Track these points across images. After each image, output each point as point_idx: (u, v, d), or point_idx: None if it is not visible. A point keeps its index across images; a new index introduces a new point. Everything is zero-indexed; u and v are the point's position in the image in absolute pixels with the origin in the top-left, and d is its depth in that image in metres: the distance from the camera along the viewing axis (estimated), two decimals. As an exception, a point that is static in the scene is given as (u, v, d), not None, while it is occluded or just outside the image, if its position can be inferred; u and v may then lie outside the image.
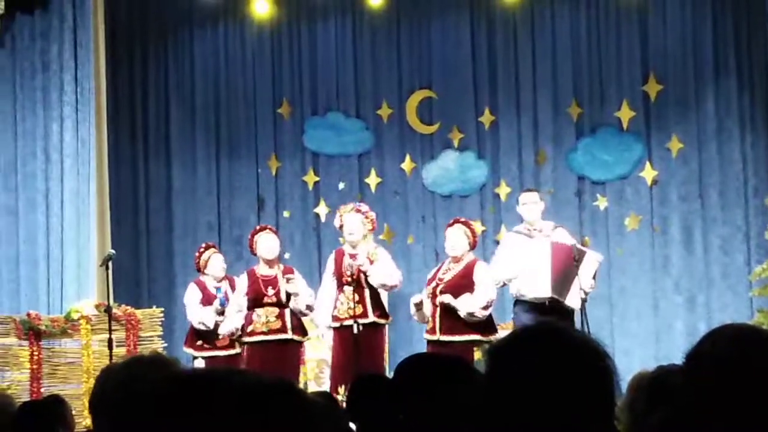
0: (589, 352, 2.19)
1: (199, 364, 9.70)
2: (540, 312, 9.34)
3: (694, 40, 12.89)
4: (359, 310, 9.48)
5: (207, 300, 9.95)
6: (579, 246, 9.73)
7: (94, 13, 12.21)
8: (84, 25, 12.11)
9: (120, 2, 13.07)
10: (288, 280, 9.59)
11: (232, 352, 9.90)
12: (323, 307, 9.75)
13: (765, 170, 12.58)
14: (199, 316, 9.88)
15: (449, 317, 9.27)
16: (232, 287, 10.04)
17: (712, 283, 12.62)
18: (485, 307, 9.27)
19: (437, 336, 9.31)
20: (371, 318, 9.52)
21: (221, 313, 9.80)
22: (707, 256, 12.69)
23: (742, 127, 12.74)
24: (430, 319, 9.40)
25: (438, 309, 9.32)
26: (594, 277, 9.58)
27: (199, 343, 9.91)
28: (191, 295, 10.09)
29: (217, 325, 9.83)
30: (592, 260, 9.56)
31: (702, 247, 12.71)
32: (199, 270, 10.22)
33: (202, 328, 9.87)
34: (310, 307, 9.76)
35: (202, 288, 10.07)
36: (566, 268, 9.39)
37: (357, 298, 9.48)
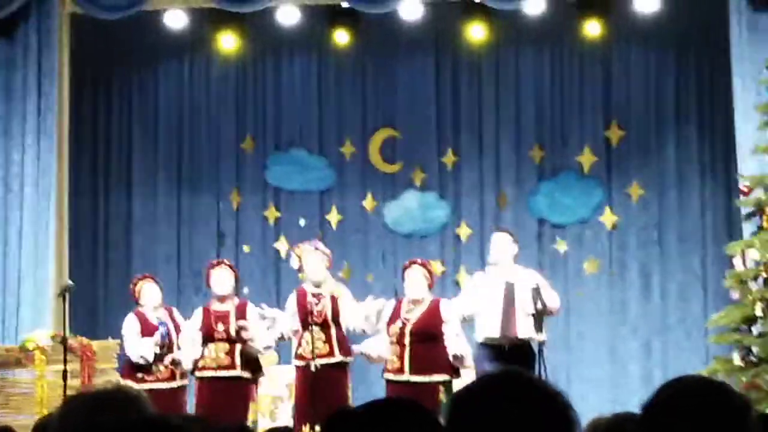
0: (552, 401, 2.20)
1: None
2: (498, 355, 9.36)
3: (656, 87, 13.01)
4: (326, 349, 9.47)
5: (147, 331, 9.77)
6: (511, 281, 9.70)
7: (59, 43, 12.17)
8: (49, 55, 12.06)
9: (86, 33, 13.01)
10: (240, 329, 9.54)
11: (174, 384, 9.76)
12: (284, 319, 9.67)
13: (724, 218, 12.67)
14: (139, 349, 9.69)
15: (421, 357, 9.24)
16: (171, 318, 9.95)
17: (669, 329, 12.69)
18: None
19: (405, 377, 9.26)
20: (338, 357, 9.50)
21: (162, 346, 9.68)
22: (664, 301, 12.76)
23: (702, 175, 12.85)
24: (396, 359, 9.33)
25: (407, 348, 9.28)
26: (544, 294, 9.50)
27: (140, 375, 9.70)
28: (130, 327, 9.88)
29: (156, 357, 9.70)
30: (523, 285, 9.54)
31: (659, 293, 12.79)
32: (135, 301, 10.04)
33: (141, 362, 9.68)
34: (268, 348, 9.74)
35: (142, 319, 9.87)
36: (510, 304, 9.48)
37: (324, 337, 9.47)
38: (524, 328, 9.48)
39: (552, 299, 9.63)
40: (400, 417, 2.82)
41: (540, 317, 9.54)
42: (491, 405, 2.18)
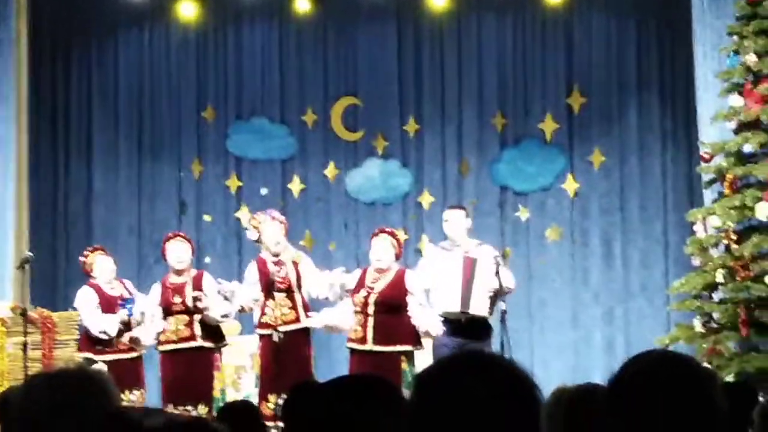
0: (517, 381, 2.19)
1: (100, 368, 9.47)
2: (456, 329, 9.34)
3: (618, 54, 13.03)
4: (292, 315, 9.45)
5: (105, 303, 9.62)
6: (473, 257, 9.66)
7: (17, 11, 12.05)
8: (5, 23, 11.94)
9: (43, 3, 12.90)
10: (195, 300, 9.50)
11: (133, 354, 9.67)
12: (244, 290, 9.64)
13: (684, 185, 12.72)
14: (101, 324, 9.53)
15: (385, 327, 9.23)
16: (126, 289, 9.85)
17: (631, 296, 12.75)
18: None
19: (369, 346, 9.24)
20: (304, 323, 9.49)
21: (127, 323, 9.58)
22: (626, 268, 12.82)
23: (664, 142, 12.90)
24: (359, 328, 9.31)
25: (371, 318, 9.27)
26: (502, 273, 9.49)
27: (99, 347, 9.57)
28: (87, 300, 9.69)
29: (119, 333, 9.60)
30: (486, 262, 9.51)
31: (621, 260, 12.84)
32: (86, 274, 9.86)
33: (103, 337, 9.53)
34: (226, 316, 9.70)
35: (99, 292, 9.70)
36: (470, 280, 9.45)
37: (290, 303, 9.45)
38: (479, 305, 9.46)
39: (509, 279, 9.61)
40: (365, 393, 2.81)
41: (496, 296, 9.55)
42: (455, 385, 2.17)
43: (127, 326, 9.60)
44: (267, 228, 9.72)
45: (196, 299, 9.49)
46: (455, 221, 9.82)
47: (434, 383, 2.21)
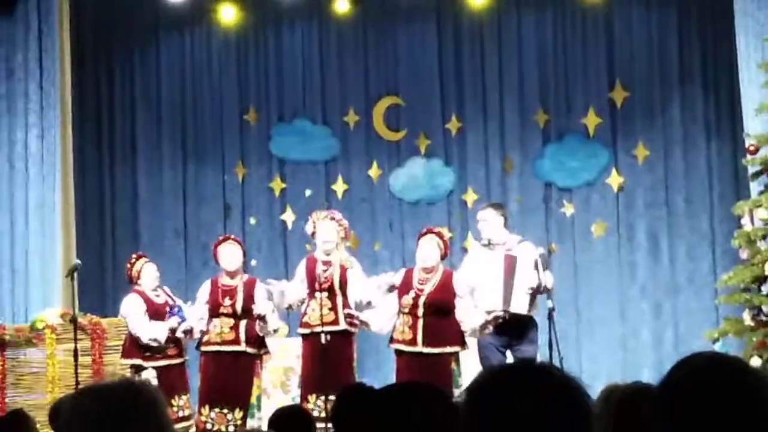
0: (568, 392, 2.19)
1: (149, 374, 9.50)
2: (500, 327, 9.31)
3: (659, 47, 12.95)
4: (331, 317, 9.46)
5: (153, 311, 9.66)
6: (514, 255, 9.64)
7: (60, 20, 12.14)
8: (49, 32, 12.03)
9: (86, 9, 13.00)
10: (259, 319, 9.55)
11: (180, 360, 9.71)
12: (292, 288, 9.67)
13: (730, 177, 12.63)
14: (151, 331, 9.57)
15: (434, 329, 9.19)
16: (168, 296, 9.88)
17: (678, 290, 12.68)
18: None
19: (419, 348, 9.19)
20: (342, 325, 9.49)
21: (174, 331, 9.61)
22: (673, 263, 12.74)
23: (708, 134, 12.81)
24: (407, 329, 9.25)
25: (420, 320, 9.23)
26: (541, 270, 9.47)
27: (147, 353, 9.60)
28: (135, 307, 9.71)
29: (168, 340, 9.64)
30: (526, 260, 9.50)
31: (668, 254, 12.77)
32: (131, 281, 9.87)
33: (153, 344, 9.56)
34: (276, 330, 9.77)
35: (146, 299, 9.73)
36: (511, 278, 9.43)
37: (330, 305, 9.46)
38: (519, 303, 9.44)
39: (548, 279, 9.59)
40: (417, 399, 2.82)
41: (536, 294, 9.54)
42: (505, 398, 2.17)
43: (174, 333, 9.64)
44: (321, 225, 9.75)
45: (260, 319, 9.52)
46: (489, 220, 9.81)
47: (485, 396, 2.21)
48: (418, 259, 9.42)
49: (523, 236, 10.03)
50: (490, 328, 9.24)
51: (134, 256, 10.14)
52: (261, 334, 9.64)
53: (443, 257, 9.49)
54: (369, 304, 9.55)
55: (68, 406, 2.88)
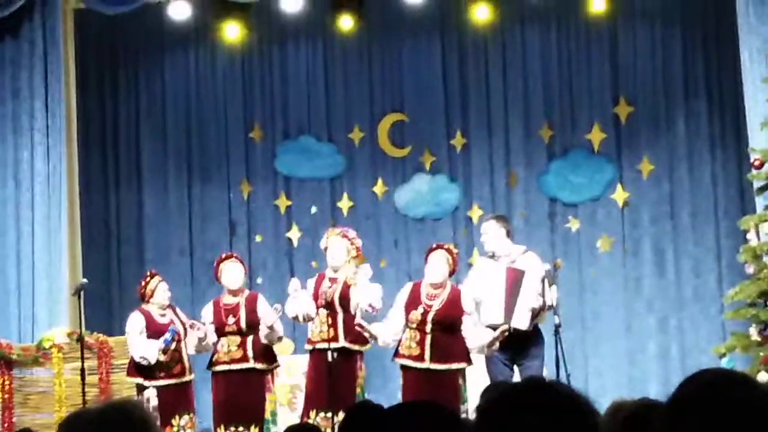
0: (577, 409, 2.19)
1: (150, 393, 9.48)
2: (505, 341, 9.27)
3: (664, 62, 12.96)
4: (330, 333, 9.41)
5: (153, 329, 9.60)
6: (519, 269, 9.59)
7: (64, 39, 12.18)
8: (54, 51, 12.07)
9: (90, 28, 13.04)
10: (266, 336, 9.54)
11: (185, 379, 9.65)
12: (299, 301, 9.64)
13: (735, 191, 12.64)
14: (141, 350, 9.51)
15: (442, 345, 9.17)
16: (175, 314, 9.83)
17: (684, 305, 12.67)
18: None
19: (426, 364, 9.16)
20: (341, 343, 9.45)
21: (165, 351, 9.57)
22: (679, 277, 12.74)
23: (713, 149, 12.82)
24: (415, 345, 9.22)
25: (428, 336, 9.21)
26: (547, 288, 9.44)
27: (148, 372, 9.53)
28: (133, 325, 9.67)
29: (158, 362, 9.59)
30: (533, 276, 9.47)
31: (674, 269, 12.77)
32: (143, 299, 9.80)
33: (143, 362, 9.50)
34: (281, 339, 9.75)
35: (148, 318, 9.67)
36: (514, 293, 9.40)
37: (330, 321, 9.43)
38: (520, 319, 9.40)
39: (553, 295, 9.51)
40: (427, 418, 2.82)
41: (538, 313, 9.51)
42: (516, 418, 2.18)
43: (165, 353, 9.58)
44: (332, 241, 9.74)
45: (267, 335, 9.51)
46: (491, 233, 9.79)
47: (496, 415, 2.22)
48: (427, 274, 9.39)
49: (524, 247, 10.01)
50: (497, 344, 9.23)
51: (148, 273, 10.07)
52: (266, 342, 9.61)
53: (451, 273, 9.48)
54: (372, 308, 9.46)
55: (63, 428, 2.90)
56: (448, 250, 9.50)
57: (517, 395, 2.24)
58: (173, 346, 9.53)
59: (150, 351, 9.50)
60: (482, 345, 9.16)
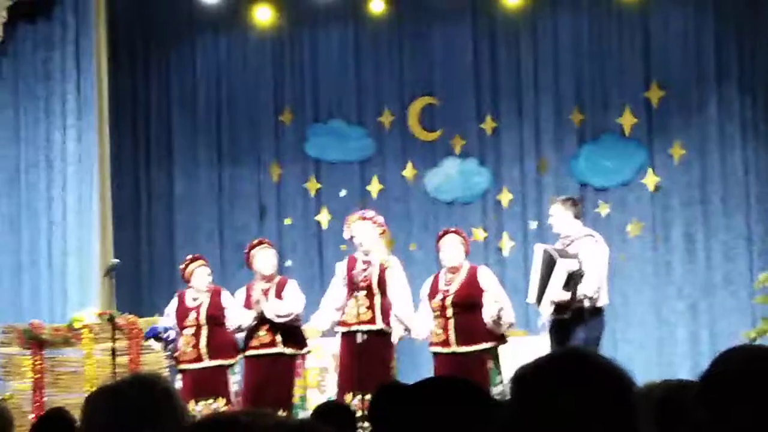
0: (615, 379, 2.19)
1: (174, 376, 9.56)
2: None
3: (696, 46, 12.90)
4: (368, 315, 9.41)
5: (180, 314, 9.71)
6: (553, 253, 9.42)
7: (97, 21, 12.21)
8: (86, 33, 12.10)
9: (122, 10, 13.07)
10: (257, 302, 9.54)
11: (215, 363, 9.60)
12: (325, 311, 9.67)
13: (767, 176, 12.57)
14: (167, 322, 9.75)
15: (466, 327, 9.18)
16: (218, 297, 9.82)
17: (715, 290, 12.61)
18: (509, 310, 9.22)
19: (452, 348, 9.17)
20: (379, 325, 9.43)
21: (159, 340, 9.64)
22: (709, 262, 12.68)
23: (744, 133, 12.74)
24: (440, 331, 9.25)
25: (451, 320, 9.23)
26: (568, 287, 9.24)
27: (177, 354, 9.65)
28: (170, 306, 9.89)
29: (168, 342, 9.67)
30: (560, 270, 9.27)
31: (704, 254, 12.70)
32: (185, 281, 9.91)
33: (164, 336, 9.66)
34: (281, 317, 9.60)
35: (180, 301, 9.80)
36: (546, 277, 9.30)
37: (368, 303, 9.44)
38: (543, 309, 9.27)
39: (590, 287, 9.24)
40: (452, 394, 2.82)
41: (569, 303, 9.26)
42: (555, 384, 2.18)
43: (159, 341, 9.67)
44: (355, 227, 9.70)
45: (258, 302, 9.50)
46: (556, 215, 9.70)
47: (532, 384, 2.22)
48: (443, 260, 9.41)
49: (588, 230, 9.78)
50: (502, 324, 9.15)
51: (189, 257, 10.09)
52: (259, 308, 9.54)
53: (466, 254, 9.46)
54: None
55: (85, 405, 2.93)
56: (457, 232, 9.53)
57: (553, 364, 2.24)
58: (172, 336, 9.61)
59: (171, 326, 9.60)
60: (490, 318, 9.13)
